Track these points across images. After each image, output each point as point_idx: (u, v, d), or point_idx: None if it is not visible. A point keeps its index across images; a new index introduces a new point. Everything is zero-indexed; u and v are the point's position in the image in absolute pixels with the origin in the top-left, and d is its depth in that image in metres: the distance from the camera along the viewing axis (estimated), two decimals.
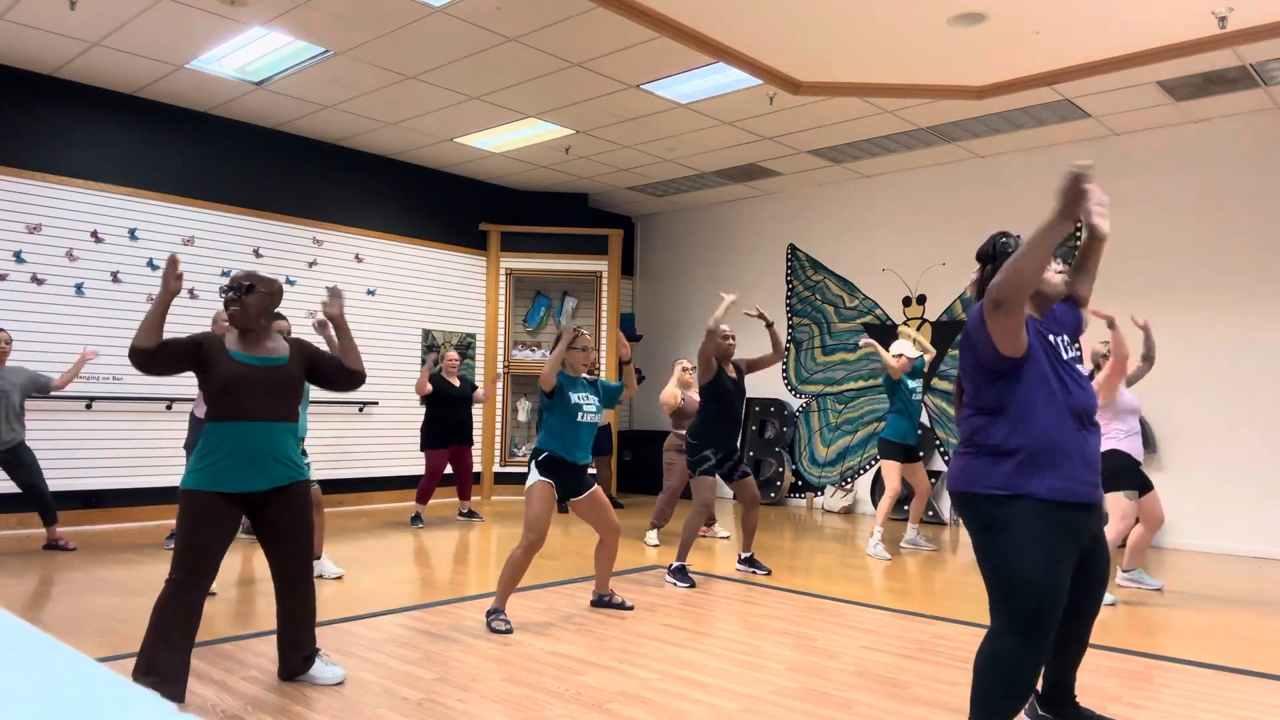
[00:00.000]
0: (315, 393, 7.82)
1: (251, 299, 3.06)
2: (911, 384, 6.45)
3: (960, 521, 8.19)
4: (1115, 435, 4.95)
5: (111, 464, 7.01)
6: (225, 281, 3.17)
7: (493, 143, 8.29)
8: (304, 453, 4.81)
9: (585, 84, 6.71)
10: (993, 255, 2.58)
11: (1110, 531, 4.87)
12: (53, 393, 6.02)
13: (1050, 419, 2.37)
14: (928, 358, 6.93)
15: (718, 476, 5.37)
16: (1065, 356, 2.46)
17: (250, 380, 2.99)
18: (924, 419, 6.80)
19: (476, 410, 9.42)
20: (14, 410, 5.73)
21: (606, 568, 4.49)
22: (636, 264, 11.42)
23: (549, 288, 10.19)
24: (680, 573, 5.17)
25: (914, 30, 5.66)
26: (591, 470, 4.41)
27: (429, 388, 7.27)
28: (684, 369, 7.05)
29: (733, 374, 5.44)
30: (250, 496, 3.03)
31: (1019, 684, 2.32)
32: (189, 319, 7.44)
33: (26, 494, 5.76)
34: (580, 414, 4.22)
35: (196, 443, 3.04)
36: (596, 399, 4.35)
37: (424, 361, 7.49)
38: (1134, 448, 4.96)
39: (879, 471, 8.85)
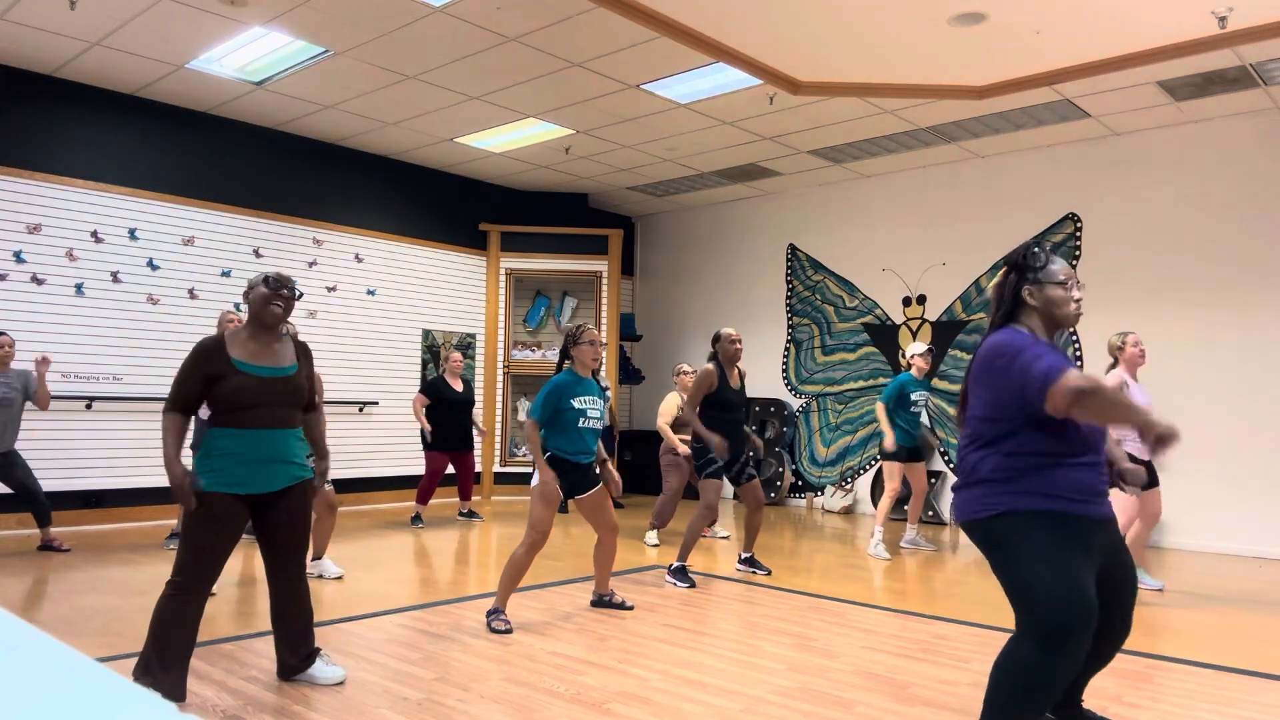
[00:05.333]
0: None
1: (290, 303, 3.08)
2: (914, 395, 6.41)
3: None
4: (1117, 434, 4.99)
5: (111, 464, 7.01)
6: (267, 274, 3.12)
7: (493, 143, 8.29)
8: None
9: (585, 84, 6.71)
10: (1020, 264, 2.57)
11: None
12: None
13: (1037, 455, 2.39)
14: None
15: (724, 479, 5.36)
16: None
17: (255, 392, 2.97)
18: (925, 419, 6.83)
19: (477, 410, 9.42)
20: (18, 416, 5.73)
21: (606, 567, 4.49)
22: (636, 264, 11.42)
23: (549, 288, 10.19)
24: (680, 573, 5.16)
25: (914, 30, 5.66)
26: (598, 470, 4.38)
27: (427, 425, 7.25)
28: (684, 373, 7.04)
29: (736, 383, 5.42)
30: (257, 497, 3.03)
31: (1035, 694, 2.29)
32: (189, 318, 7.44)
33: (21, 495, 5.75)
34: (583, 419, 4.16)
35: (201, 443, 3.02)
36: (602, 402, 4.31)
37: (440, 378, 7.45)
38: (1136, 446, 4.98)
39: (879, 471, 8.86)
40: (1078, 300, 2.55)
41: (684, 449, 6.63)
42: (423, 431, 7.33)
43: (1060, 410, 2.26)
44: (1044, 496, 2.36)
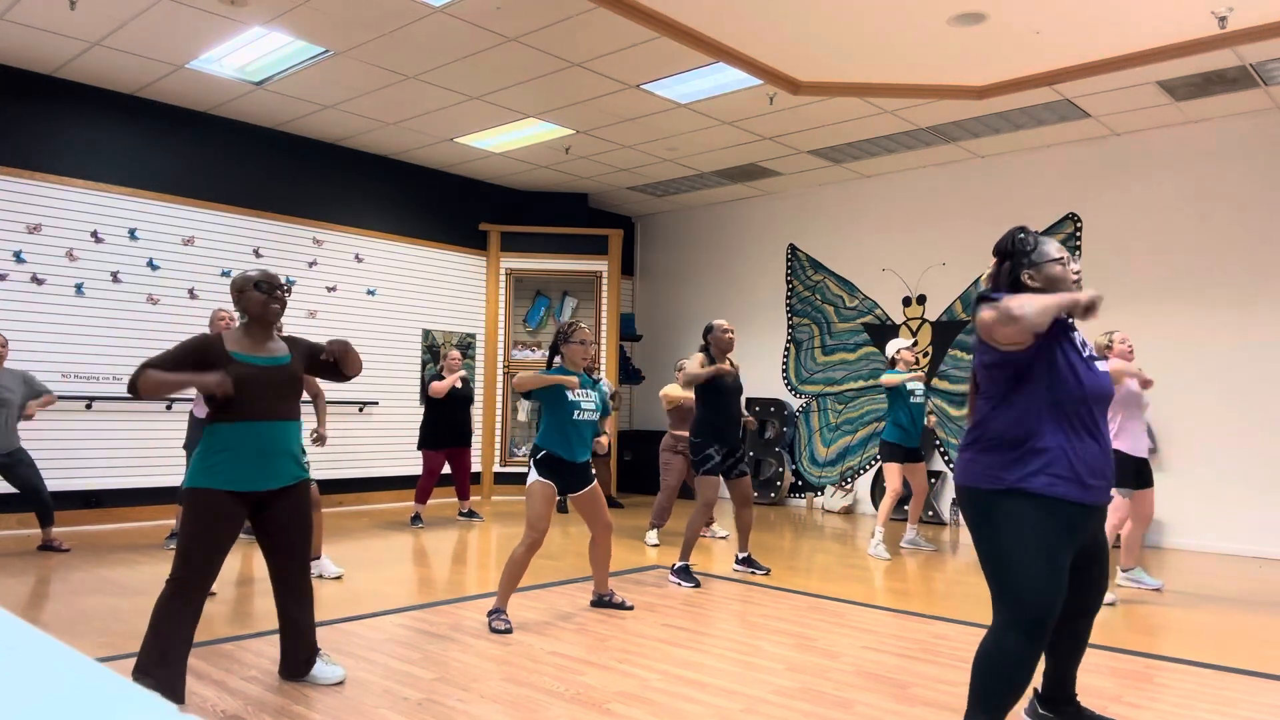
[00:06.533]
0: None
1: (285, 300, 3.14)
2: (911, 385, 6.42)
3: (960, 521, 8.20)
4: (1111, 432, 5.00)
5: (111, 464, 7.01)
6: (255, 276, 3.14)
7: (493, 143, 8.29)
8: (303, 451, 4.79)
9: (585, 84, 6.71)
10: (1010, 251, 2.58)
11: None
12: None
13: (1049, 417, 2.39)
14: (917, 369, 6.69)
15: (721, 476, 5.36)
16: (1082, 352, 2.47)
17: (256, 382, 2.99)
18: (925, 421, 6.84)
19: (476, 409, 9.43)
20: (16, 415, 5.74)
21: (603, 566, 4.49)
22: (636, 264, 11.42)
23: (549, 288, 10.19)
24: (684, 572, 5.17)
25: (914, 30, 5.66)
26: (593, 469, 4.39)
27: (443, 390, 7.26)
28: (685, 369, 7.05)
29: (729, 369, 5.43)
30: (256, 495, 3.03)
31: (1017, 678, 2.35)
32: (188, 319, 7.44)
33: (26, 494, 5.76)
34: (577, 411, 4.17)
35: (198, 442, 3.03)
36: (595, 394, 4.32)
37: (438, 376, 7.46)
38: (1130, 445, 4.98)
39: (879, 471, 8.85)
40: (1077, 273, 2.55)
41: (688, 394, 6.60)
42: (422, 431, 7.33)
43: (988, 333, 2.37)
44: (1051, 479, 2.36)
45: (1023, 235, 2.56)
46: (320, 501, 4.98)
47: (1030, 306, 2.26)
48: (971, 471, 2.47)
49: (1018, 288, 2.54)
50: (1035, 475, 2.36)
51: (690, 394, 6.70)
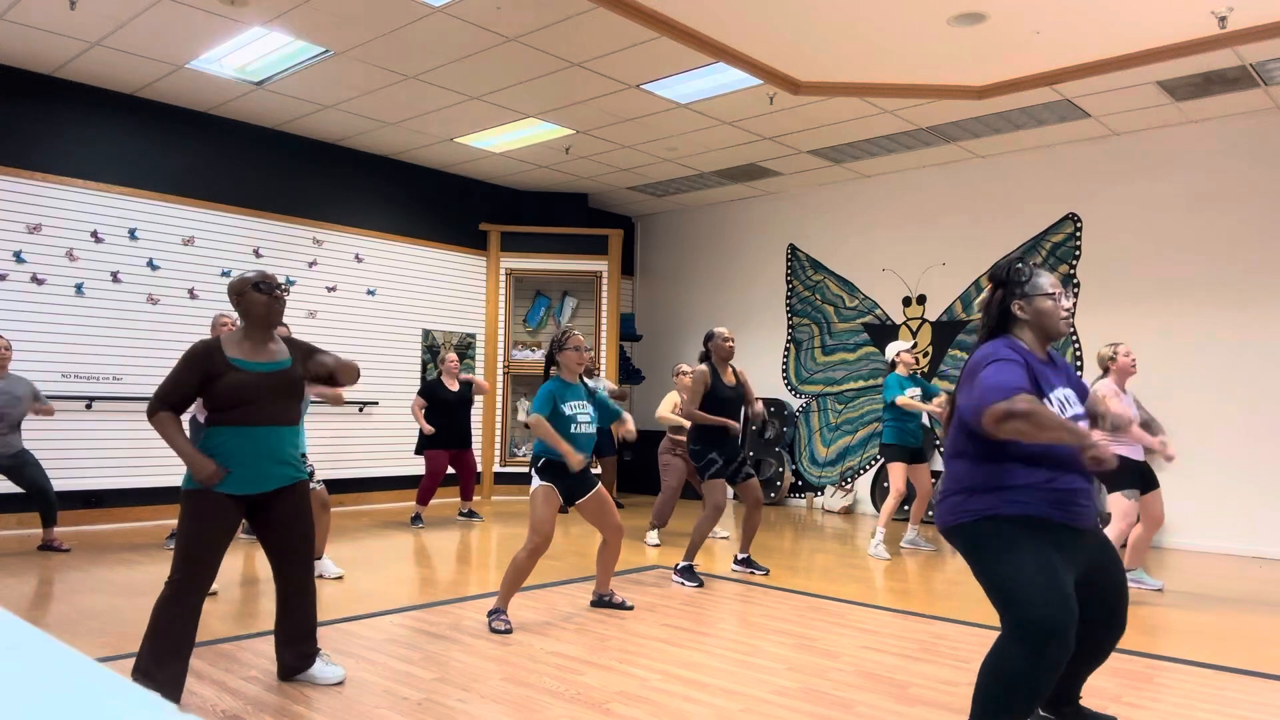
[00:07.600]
0: None
1: (285, 299, 3.14)
2: (910, 392, 6.41)
3: None
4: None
5: (111, 464, 7.01)
6: (253, 278, 3.14)
7: (493, 143, 8.29)
8: (303, 457, 4.79)
9: (585, 84, 6.71)
10: (1005, 281, 2.61)
11: (1111, 531, 4.96)
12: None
13: (1022, 466, 2.42)
14: (938, 409, 6.56)
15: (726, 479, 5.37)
16: (1065, 414, 2.47)
17: (254, 387, 2.98)
18: (925, 420, 6.85)
19: (476, 409, 9.42)
20: (21, 419, 5.73)
21: (609, 567, 4.49)
22: (636, 264, 11.42)
23: (549, 288, 10.19)
24: (688, 572, 5.17)
25: (914, 30, 5.66)
26: (596, 470, 4.38)
27: (428, 427, 7.26)
28: (684, 373, 7.05)
29: (730, 380, 5.42)
30: (252, 498, 3.03)
31: (1020, 692, 2.30)
32: (188, 319, 7.45)
33: (33, 494, 5.75)
34: (574, 425, 4.16)
35: (197, 445, 3.02)
36: (592, 408, 4.31)
37: (438, 379, 7.53)
38: (1130, 449, 5.00)
39: (879, 471, 8.86)
40: (1068, 309, 2.58)
41: (684, 421, 6.63)
42: (421, 434, 7.33)
43: (991, 432, 2.30)
44: (1023, 503, 2.40)
45: (1019, 266, 2.61)
46: (329, 503, 4.98)
47: (1043, 424, 2.22)
48: (950, 515, 2.52)
49: (1007, 316, 2.59)
50: (1007, 504, 2.41)
51: (686, 424, 6.67)
